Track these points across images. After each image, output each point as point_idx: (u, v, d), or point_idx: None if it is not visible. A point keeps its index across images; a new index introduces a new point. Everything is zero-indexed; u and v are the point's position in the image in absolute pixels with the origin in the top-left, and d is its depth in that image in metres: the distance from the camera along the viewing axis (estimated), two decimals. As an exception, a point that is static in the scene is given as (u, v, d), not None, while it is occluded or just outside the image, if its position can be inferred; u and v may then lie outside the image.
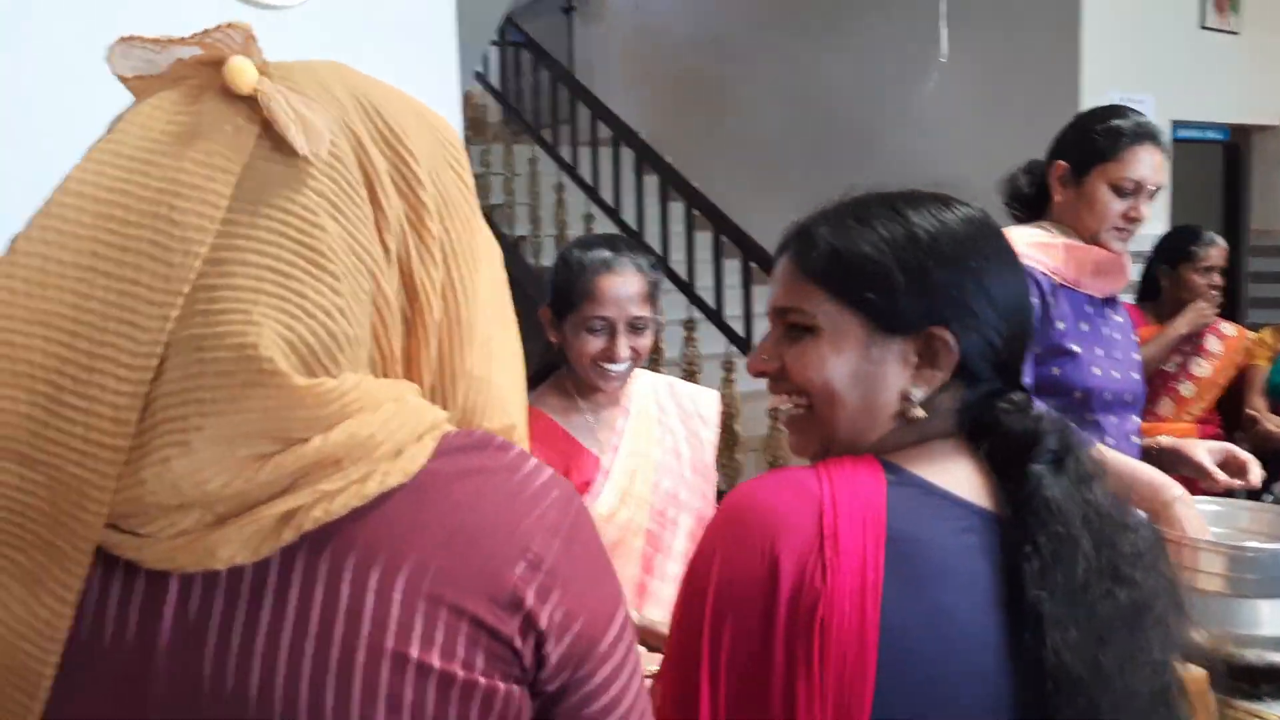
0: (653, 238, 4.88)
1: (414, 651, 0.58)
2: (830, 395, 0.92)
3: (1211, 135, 4.78)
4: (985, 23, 4.47)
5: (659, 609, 1.75)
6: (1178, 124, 4.51)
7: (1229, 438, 3.20)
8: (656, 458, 1.81)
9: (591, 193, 5.26)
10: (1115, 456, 1.68)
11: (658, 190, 4.82)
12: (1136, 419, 2.00)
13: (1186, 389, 3.10)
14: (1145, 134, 1.89)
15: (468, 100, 6.13)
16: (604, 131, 5.20)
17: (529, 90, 6.04)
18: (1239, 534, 1.70)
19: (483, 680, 0.60)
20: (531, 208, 5.50)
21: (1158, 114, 4.39)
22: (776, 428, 4.03)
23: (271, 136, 0.61)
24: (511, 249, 5.65)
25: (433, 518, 0.61)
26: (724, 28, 5.92)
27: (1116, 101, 4.22)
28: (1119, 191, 1.89)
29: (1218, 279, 3.09)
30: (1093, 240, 1.92)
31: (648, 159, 4.85)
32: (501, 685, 0.60)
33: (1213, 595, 1.55)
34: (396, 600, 0.59)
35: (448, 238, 0.68)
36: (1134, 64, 4.30)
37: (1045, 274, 1.87)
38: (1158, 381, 3.09)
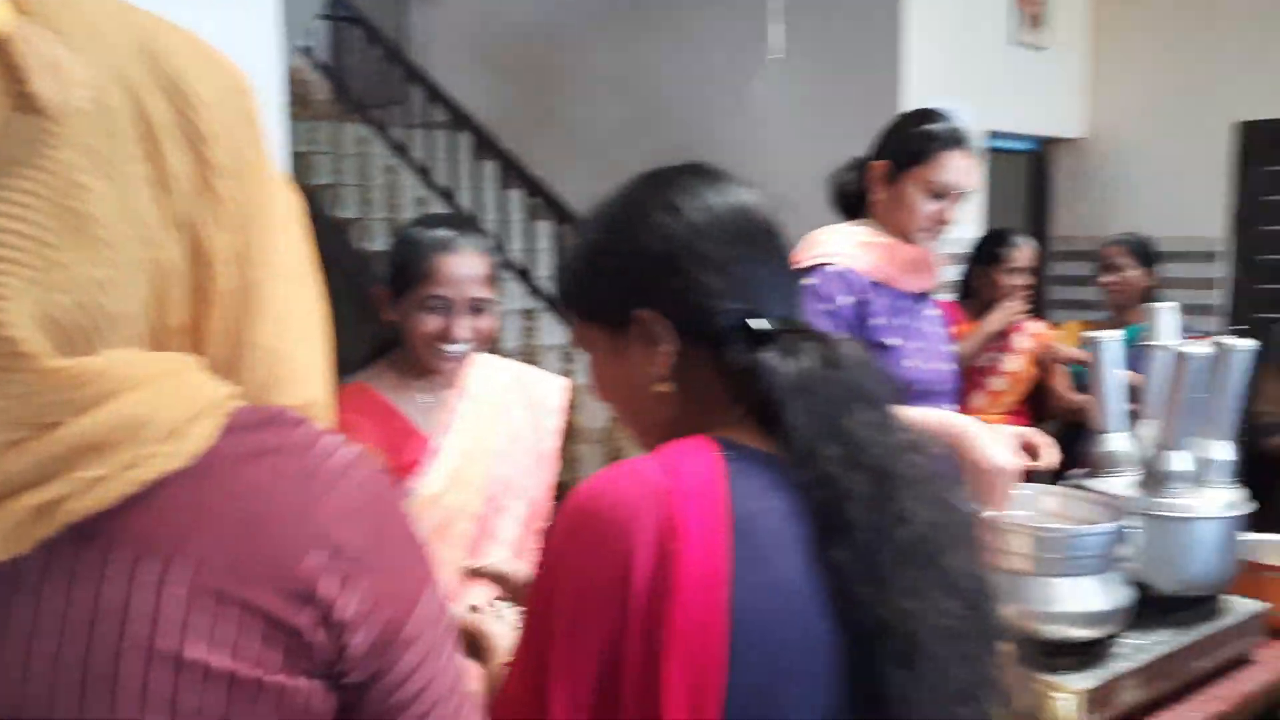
0: (490, 225, 4.80)
1: (194, 652, 0.53)
2: (613, 403, 0.99)
3: (1021, 145, 5.07)
4: (816, 24, 4.60)
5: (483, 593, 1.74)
6: (991, 133, 4.76)
7: (1035, 427, 3.42)
8: (493, 443, 1.79)
9: (425, 176, 5.12)
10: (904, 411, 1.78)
11: (496, 177, 4.74)
12: (949, 408, 2.08)
13: (998, 383, 3.28)
14: (956, 140, 1.96)
15: (292, 74, 5.88)
16: (440, 115, 5.07)
17: (359, 68, 5.83)
18: (1043, 516, 1.79)
19: (278, 678, 0.55)
20: (361, 190, 5.32)
21: (973, 124, 4.63)
22: (615, 420, 4.04)
23: (24, 85, 0.54)
24: (338, 232, 5.45)
25: (219, 504, 0.56)
26: (564, 15, 5.87)
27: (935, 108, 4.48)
28: (931, 194, 1.95)
29: (1026, 280, 3.28)
30: (905, 239, 2.00)
31: (486, 144, 4.76)
32: (300, 681, 0.56)
33: (1019, 574, 1.63)
34: (175, 596, 0.53)
35: (240, 199, 0.62)
36: (952, 73, 4.51)
37: (862, 272, 1.94)
38: (972, 376, 3.26)
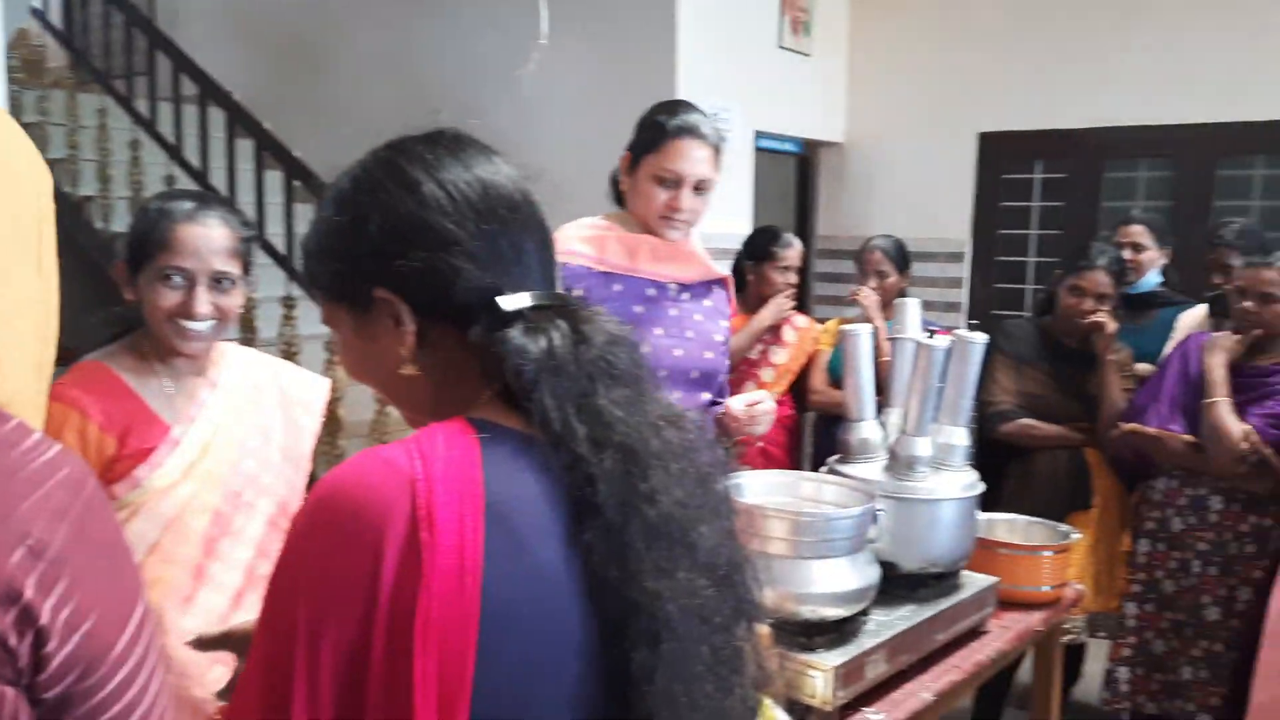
0: (247, 206, 4.49)
1: None
2: (367, 383, 0.94)
3: (788, 147, 5.28)
4: (590, 13, 4.60)
5: (219, 594, 1.64)
6: (760, 134, 4.92)
7: (799, 418, 3.56)
8: (241, 437, 1.70)
9: (174, 153, 4.74)
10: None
11: (253, 156, 4.45)
12: (708, 395, 2.10)
13: (767, 374, 3.39)
14: (686, 129, 1.97)
15: (21, 38, 5.31)
16: (190, 88, 4.71)
17: (99, 35, 5.33)
18: (799, 501, 1.84)
19: None
20: (100, 165, 4.86)
21: (744, 124, 4.78)
22: (383, 411, 3.88)
23: None
24: (75, 209, 4.96)
25: None
26: (328, -10, 5.60)
27: (709, 107, 4.58)
28: (661, 182, 1.97)
29: (794, 277, 3.41)
30: (650, 229, 2.02)
31: (241, 121, 4.46)
32: (5, 689, 0.53)
33: (776, 558, 1.66)
34: None
35: None
36: (723, 74, 4.62)
37: (583, 264, 1.97)
38: (744, 367, 3.36)
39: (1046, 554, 2.19)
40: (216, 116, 4.62)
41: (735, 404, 2.05)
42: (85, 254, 5.02)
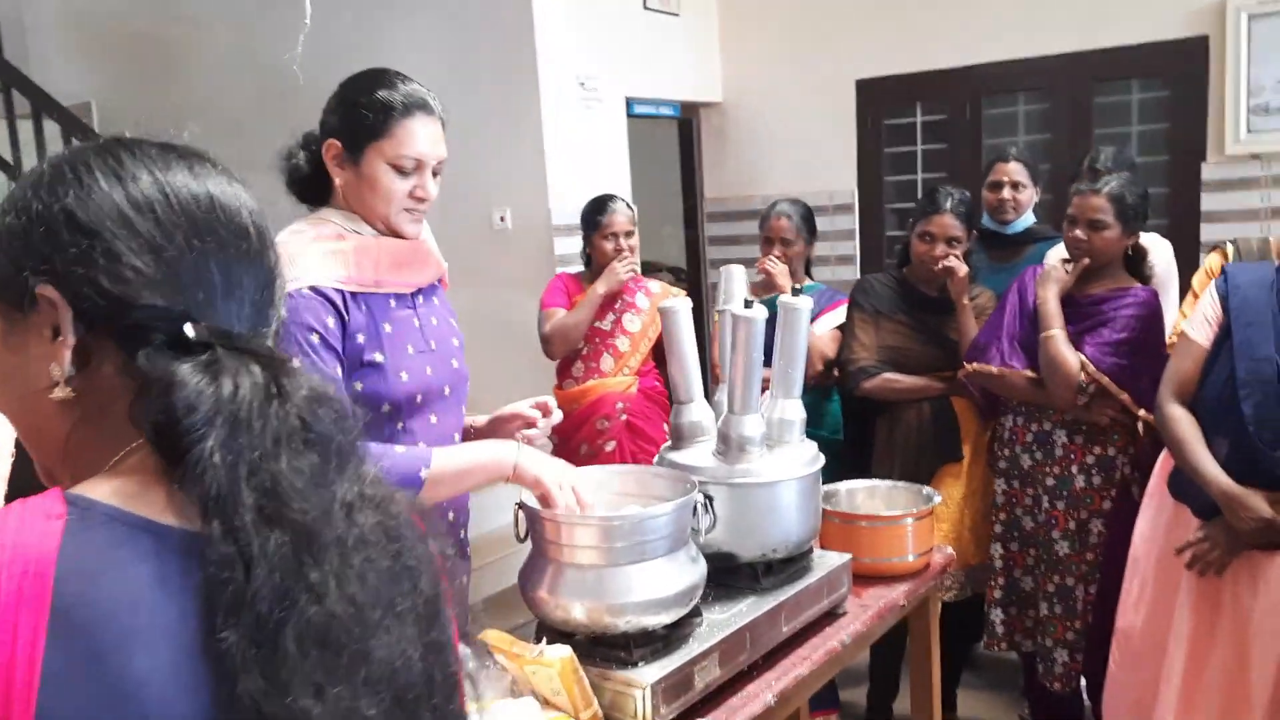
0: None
1: None
2: (6, 412, 0.78)
3: (665, 111, 5.12)
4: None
5: None
6: (632, 100, 4.76)
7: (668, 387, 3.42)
8: None
9: (13, 173, 4.45)
10: (447, 455, 1.59)
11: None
12: (461, 414, 1.87)
13: (622, 343, 3.27)
14: (417, 104, 1.71)
15: None
16: (22, 104, 4.42)
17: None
18: (617, 498, 1.71)
19: None
20: (-61, 192, 4.57)
21: (614, 90, 4.61)
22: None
23: None
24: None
25: None
26: (175, -12, 5.31)
27: (576, 75, 4.40)
28: (400, 170, 1.70)
29: (626, 242, 3.27)
30: (386, 225, 1.74)
31: (77, 132, 4.19)
32: None
33: (589, 568, 1.53)
34: None
35: None
36: (587, 41, 4.45)
37: (337, 288, 1.65)
38: (596, 340, 3.24)
39: (908, 521, 2.09)
40: (52, 129, 4.34)
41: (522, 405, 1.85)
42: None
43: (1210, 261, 2.44)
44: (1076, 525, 2.56)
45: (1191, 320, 2.20)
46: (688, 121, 5.40)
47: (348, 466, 0.74)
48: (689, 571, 1.58)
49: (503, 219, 4.41)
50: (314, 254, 1.65)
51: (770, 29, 5.11)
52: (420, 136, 1.70)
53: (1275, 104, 3.98)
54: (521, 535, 1.60)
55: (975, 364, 2.63)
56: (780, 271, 3.06)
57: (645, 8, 4.78)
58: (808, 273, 3.29)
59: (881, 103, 4.94)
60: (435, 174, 1.76)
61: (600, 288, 3.21)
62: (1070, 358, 2.46)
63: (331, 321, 1.63)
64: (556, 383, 3.40)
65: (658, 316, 3.24)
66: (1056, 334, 2.47)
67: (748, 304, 1.75)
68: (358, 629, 0.70)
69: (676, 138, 5.49)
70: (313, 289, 1.62)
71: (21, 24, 6.14)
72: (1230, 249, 2.43)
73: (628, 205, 3.38)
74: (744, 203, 5.21)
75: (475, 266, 4.50)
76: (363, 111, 1.68)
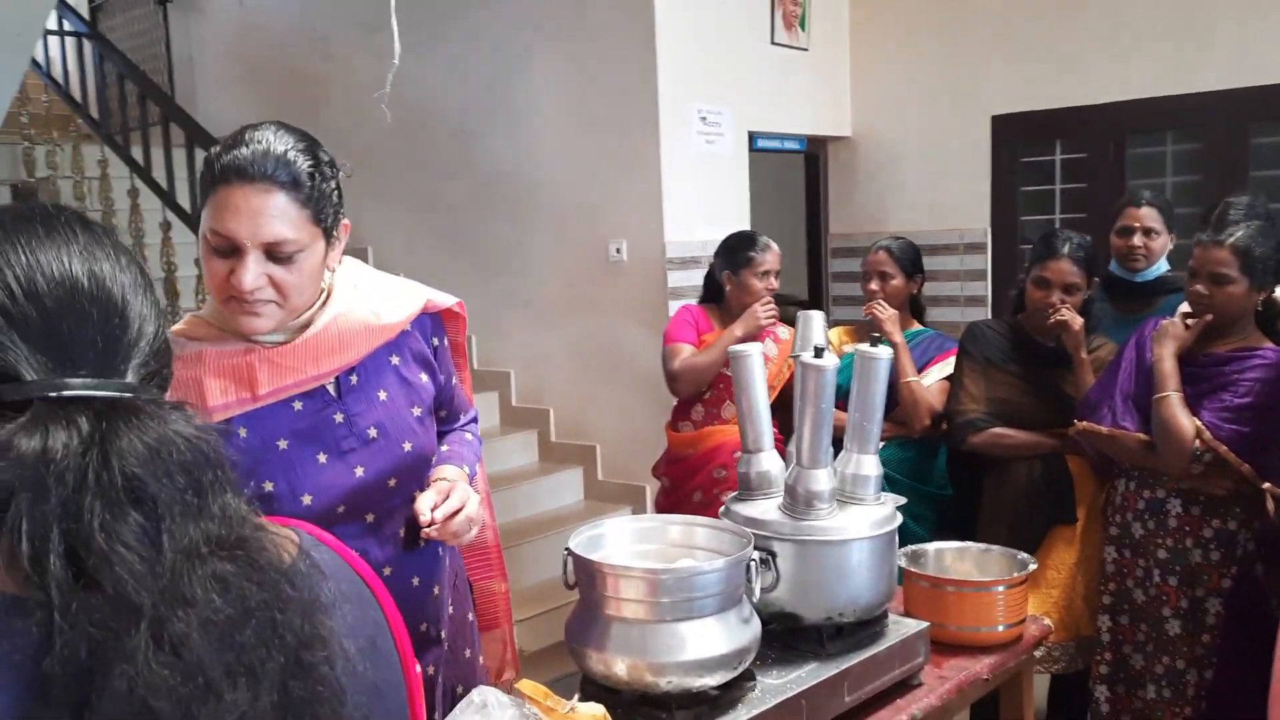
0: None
1: None
2: None
3: (790, 145, 5.04)
4: (568, 22, 4.47)
5: None
6: (755, 134, 4.71)
7: (787, 439, 3.30)
8: None
9: (167, 198, 4.74)
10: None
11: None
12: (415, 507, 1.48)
13: None
14: (234, 169, 1.31)
15: (23, 92, 5.40)
16: (179, 134, 4.71)
17: (95, 87, 5.40)
18: (668, 549, 1.65)
19: None
20: (105, 214, 4.92)
21: (736, 124, 4.58)
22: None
23: None
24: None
25: None
26: (327, 27, 5.58)
27: (698, 110, 4.38)
28: (215, 250, 1.34)
29: (775, 282, 3.14)
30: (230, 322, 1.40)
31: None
32: None
33: (633, 622, 1.47)
34: None
35: None
36: (710, 76, 4.43)
37: (208, 408, 1.36)
38: (720, 385, 3.10)
39: (999, 590, 1.95)
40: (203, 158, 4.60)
41: (425, 507, 1.45)
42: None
43: None
44: (1190, 604, 2.33)
45: None
46: (814, 156, 5.31)
47: (191, 518, 0.69)
48: (740, 633, 1.50)
49: (619, 251, 4.42)
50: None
51: (903, 63, 4.99)
52: (229, 208, 1.30)
53: None
54: (570, 582, 1.56)
55: (1085, 422, 2.44)
56: (888, 317, 2.94)
57: (772, 43, 4.73)
58: (918, 316, 3.15)
59: (1018, 139, 4.73)
60: (279, 259, 1.33)
61: (738, 330, 3.01)
62: (1185, 423, 2.25)
63: None
64: (670, 421, 3.23)
65: (787, 364, 3.13)
66: (1171, 396, 2.27)
67: (818, 352, 1.67)
68: (187, 690, 0.64)
69: (801, 171, 5.40)
70: None
71: (192, 62, 6.59)
72: None
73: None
74: (870, 239, 5.01)
75: (590, 298, 4.54)
76: (202, 173, 1.38)
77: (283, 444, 1.42)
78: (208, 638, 0.66)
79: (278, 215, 1.32)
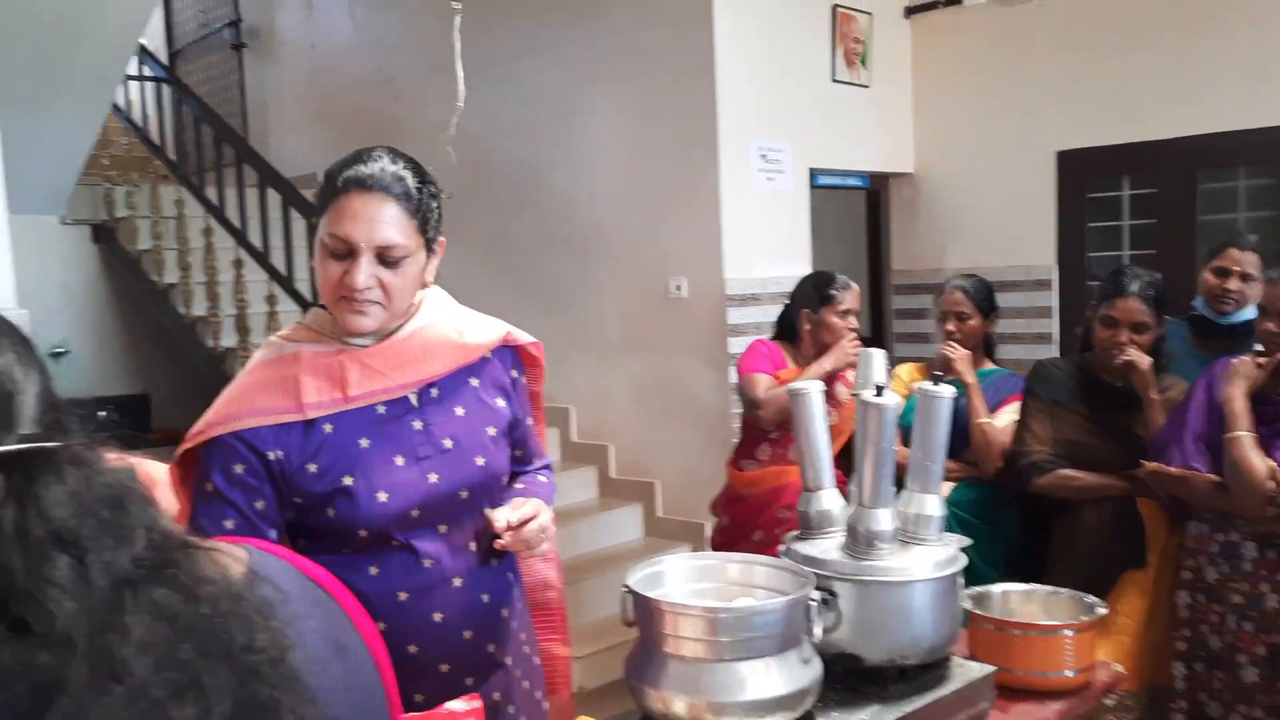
0: (303, 284, 4.59)
1: None
2: None
3: (853, 182, 5.04)
4: (629, 60, 4.53)
5: None
6: (816, 171, 4.71)
7: (849, 477, 3.25)
8: None
9: (240, 237, 4.88)
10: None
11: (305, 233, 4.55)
12: (482, 517, 1.59)
13: None
14: (357, 180, 1.47)
15: (106, 136, 5.61)
16: (252, 175, 4.86)
17: (173, 129, 5.60)
18: (727, 587, 1.64)
19: None
20: (180, 253, 5.08)
21: (796, 161, 4.59)
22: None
23: None
24: (161, 296, 5.20)
25: None
26: (395, 69, 5.74)
27: (758, 147, 4.40)
28: (331, 253, 1.48)
29: (855, 321, 3.12)
30: (338, 322, 1.53)
31: (294, 203, 4.56)
32: None
33: (691, 661, 1.47)
34: None
35: None
36: (770, 114, 4.45)
37: (270, 424, 1.48)
38: (788, 425, 3.05)
39: (1067, 634, 1.90)
40: (274, 198, 4.74)
41: (500, 515, 1.55)
42: (171, 339, 5.25)
43: None
44: (1268, 651, 2.25)
45: None
46: (875, 192, 5.29)
47: (119, 547, 0.69)
48: (800, 674, 1.48)
49: (679, 288, 4.44)
50: (238, 390, 1.53)
51: (966, 99, 4.96)
52: (347, 214, 1.45)
53: None
54: (629, 619, 1.56)
55: (1154, 465, 2.38)
56: (959, 357, 2.90)
57: (834, 80, 4.75)
58: (990, 355, 3.11)
59: (1085, 175, 4.67)
60: (387, 263, 1.48)
61: (827, 364, 2.98)
62: (1258, 464, 2.18)
63: (240, 468, 1.48)
64: (732, 459, 3.20)
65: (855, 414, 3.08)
66: (1243, 436, 2.20)
67: (879, 390, 1.66)
68: (133, 713, 0.64)
69: (863, 208, 5.38)
70: (221, 440, 1.49)
71: (265, 105, 6.80)
72: None
73: None
74: (934, 275, 5.02)
75: (650, 335, 4.56)
76: (322, 186, 1.53)
77: (364, 442, 1.51)
78: (146, 659, 0.66)
79: (390, 221, 1.47)
